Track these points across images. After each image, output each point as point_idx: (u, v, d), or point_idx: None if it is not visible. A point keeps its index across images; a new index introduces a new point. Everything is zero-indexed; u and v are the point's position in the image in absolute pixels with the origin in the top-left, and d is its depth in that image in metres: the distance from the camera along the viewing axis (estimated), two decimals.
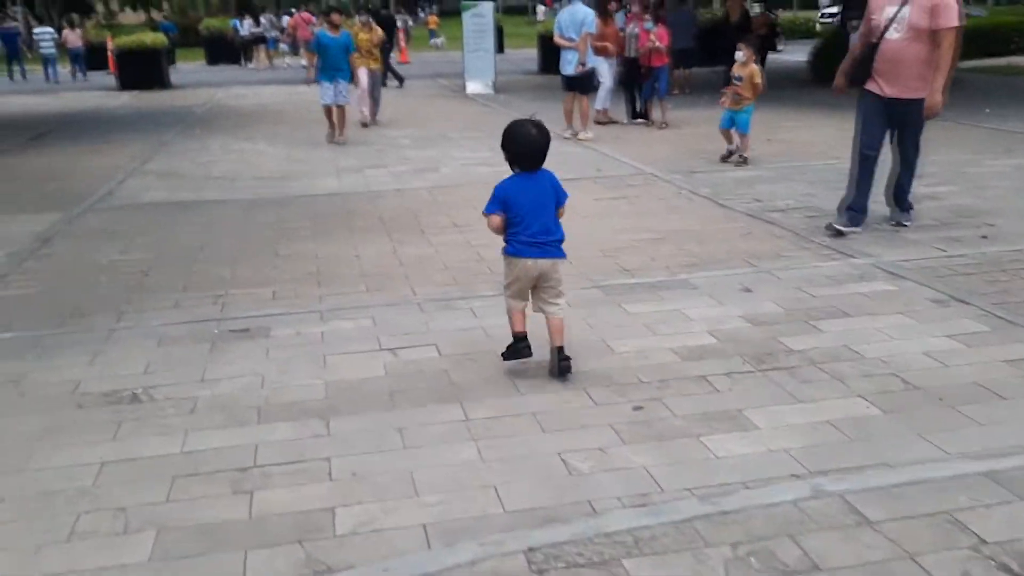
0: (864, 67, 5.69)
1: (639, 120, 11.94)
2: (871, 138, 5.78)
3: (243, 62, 27.71)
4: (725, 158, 8.71)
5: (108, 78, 21.72)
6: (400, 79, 18.98)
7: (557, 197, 3.66)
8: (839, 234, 5.73)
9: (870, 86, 5.68)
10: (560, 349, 3.60)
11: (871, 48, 5.63)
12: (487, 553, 2.44)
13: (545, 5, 56.16)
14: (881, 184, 6.03)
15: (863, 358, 3.76)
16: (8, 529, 2.64)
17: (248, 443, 3.11)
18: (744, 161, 8.58)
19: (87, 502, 2.76)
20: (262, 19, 27.95)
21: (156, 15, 48.25)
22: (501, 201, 3.56)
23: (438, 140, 10.73)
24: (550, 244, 3.60)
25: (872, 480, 2.78)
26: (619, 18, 12.70)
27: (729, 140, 8.74)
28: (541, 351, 3.70)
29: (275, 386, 3.61)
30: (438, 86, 19.38)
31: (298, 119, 13.42)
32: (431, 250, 5.77)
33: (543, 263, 3.60)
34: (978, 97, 13.22)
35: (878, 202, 6.05)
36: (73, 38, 24.92)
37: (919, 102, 5.48)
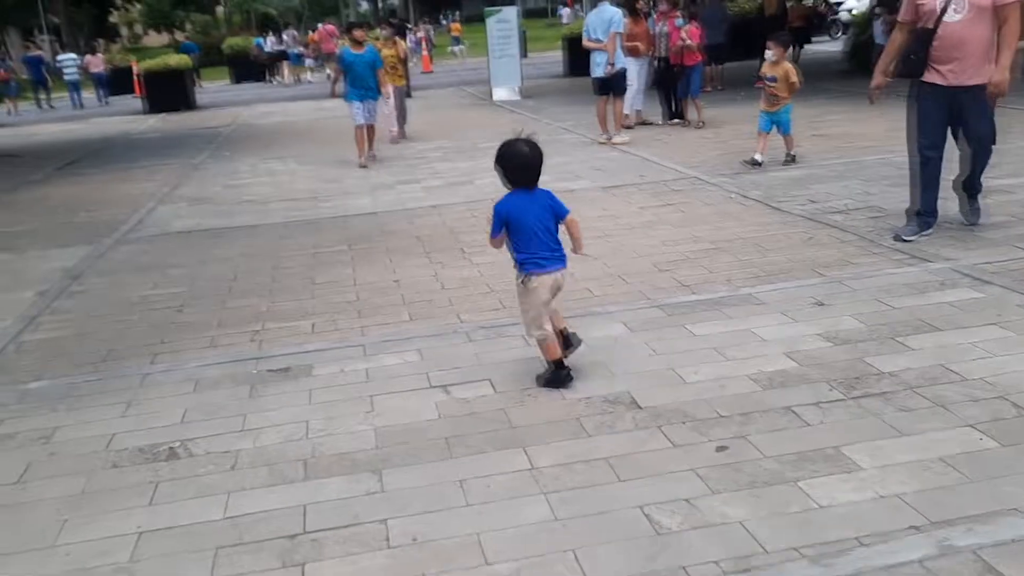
0: (918, 57, 5.23)
1: (675, 121, 11.57)
2: (932, 137, 5.30)
3: (268, 79, 27.77)
4: (751, 165, 8.12)
5: (134, 101, 21.81)
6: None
7: (556, 213, 3.66)
8: (908, 243, 5.34)
9: (929, 77, 5.22)
10: (560, 361, 3.63)
11: (925, 35, 5.17)
12: None
13: (567, 7, 55.89)
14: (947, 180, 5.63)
15: (964, 379, 3.39)
16: None
17: (296, 504, 2.83)
18: (792, 159, 8.17)
19: None
20: (284, 35, 27.98)
21: (179, 36, 48.85)
22: (503, 221, 3.57)
23: (469, 151, 10.46)
24: (562, 255, 3.67)
25: (1006, 531, 2.42)
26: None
27: (762, 147, 8.19)
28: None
29: (321, 434, 3.33)
30: (464, 94, 19.14)
31: (326, 135, 13.23)
32: (474, 272, 5.48)
33: (564, 272, 3.67)
34: None
35: (944, 198, 5.64)
36: (96, 63, 25.17)
37: (985, 87, 5.06)
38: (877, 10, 15.03)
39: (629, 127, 11.38)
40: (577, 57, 19.07)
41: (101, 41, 40.24)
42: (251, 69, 28.49)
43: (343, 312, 4.86)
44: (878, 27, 15.01)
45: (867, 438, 2.99)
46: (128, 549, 2.66)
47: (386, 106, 10.94)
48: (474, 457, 3.07)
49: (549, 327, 3.62)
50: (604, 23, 9.99)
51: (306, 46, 27.78)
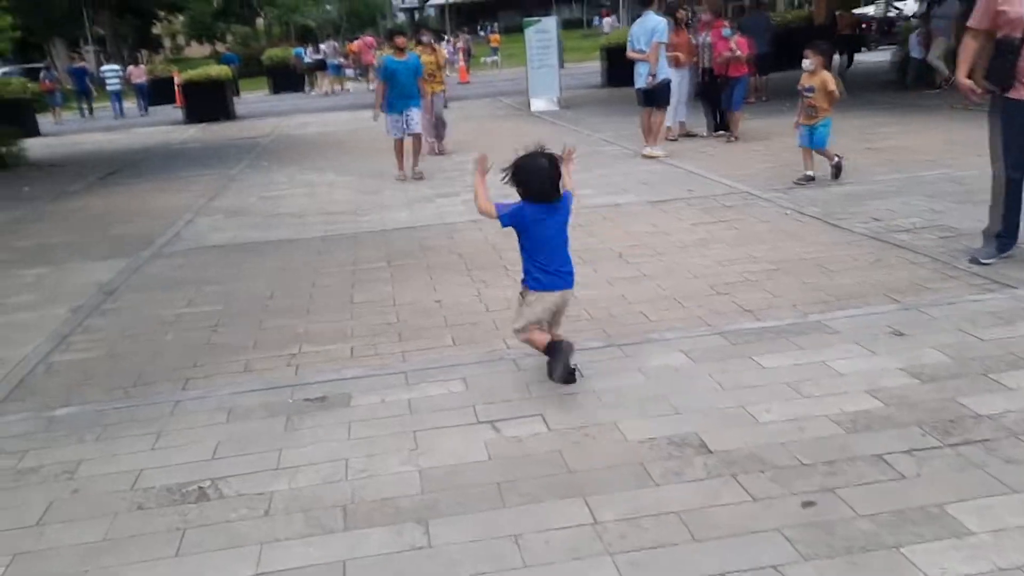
0: (1005, 69, 4.83)
1: (720, 133, 11.21)
2: (1018, 157, 4.88)
3: (306, 88, 27.89)
4: (805, 181, 7.69)
5: (174, 112, 21.96)
6: None
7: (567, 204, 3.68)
8: (986, 266, 4.96)
9: (1017, 93, 4.81)
10: (551, 343, 3.62)
11: (1011, 45, 4.76)
12: None
13: (603, 17, 55.65)
14: None
15: None
16: None
17: (335, 559, 2.57)
18: (838, 173, 7.70)
19: None
20: (323, 46, 28.07)
21: (220, 47, 49.46)
22: (516, 218, 3.61)
23: (508, 163, 10.19)
24: (569, 274, 3.69)
25: None
26: None
27: (808, 163, 7.76)
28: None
29: (362, 476, 3.08)
30: (501, 105, 18.93)
31: (363, 146, 13.10)
32: (518, 291, 5.19)
33: (567, 294, 3.70)
34: None
35: None
36: (137, 73, 25.53)
37: None
38: (914, 22, 14.54)
39: (673, 139, 11.07)
40: (616, 67, 18.79)
41: (144, 52, 40.92)
42: (290, 80, 28.64)
43: (383, 335, 4.61)
44: (914, 40, 14.47)
45: (973, 495, 2.66)
46: None
47: (425, 117, 10.69)
48: (529, 507, 2.79)
49: (538, 335, 3.66)
50: (647, 33, 9.70)
51: (346, 57, 27.85)
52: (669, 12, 11.54)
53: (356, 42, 28.01)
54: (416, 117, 9.68)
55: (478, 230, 6.96)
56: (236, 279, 5.97)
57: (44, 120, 22.32)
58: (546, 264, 3.60)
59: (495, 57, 34.77)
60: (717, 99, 11.27)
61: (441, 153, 11.68)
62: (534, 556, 2.52)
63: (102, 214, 9.08)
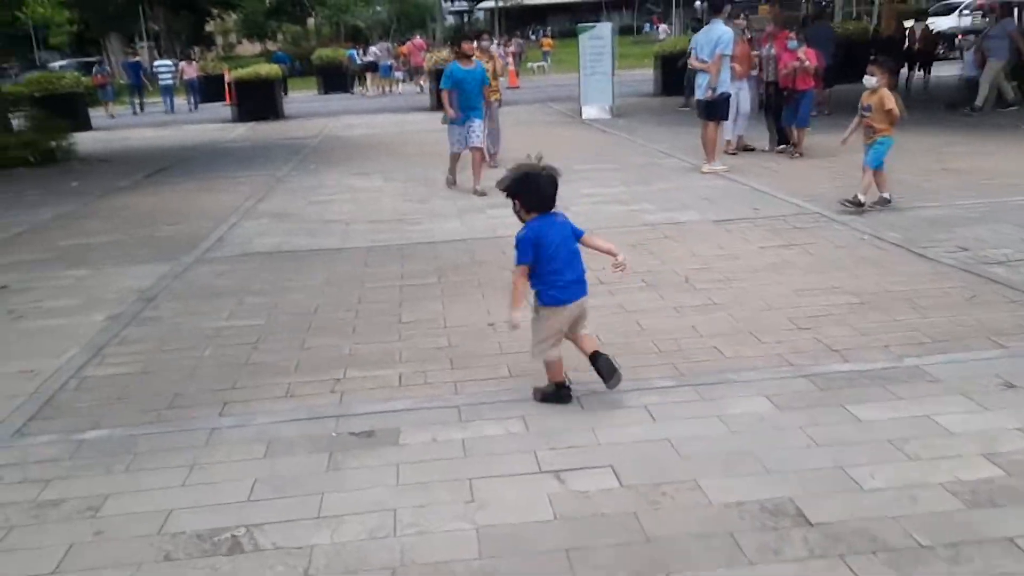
0: None
1: (781, 148, 10.70)
2: None
3: (356, 89, 27.90)
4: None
5: (224, 109, 22.00)
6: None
7: (575, 233, 3.61)
8: None
9: None
10: (597, 353, 3.58)
11: None
12: None
13: (654, 25, 55.06)
14: None
15: None
16: None
17: None
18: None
19: None
20: (374, 48, 28.03)
21: (271, 46, 49.93)
22: (534, 246, 3.49)
23: (563, 173, 9.83)
24: (582, 282, 3.60)
25: None
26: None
27: (882, 186, 7.21)
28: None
29: (412, 532, 2.75)
30: (551, 111, 18.58)
31: (411, 150, 12.86)
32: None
33: (583, 303, 3.60)
34: None
35: None
36: (189, 70, 25.74)
37: None
38: (969, 39, 13.82)
39: (732, 153, 10.62)
40: (670, 76, 18.35)
41: (197, 49, 41.40)
42: (338, 80, 28.65)
43: (434, 361, 4.29)
44: (969, 57, 13.74)
45: None
46: None
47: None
48: None
49: (557, 352, 3.60)
50: (711, 43, 9.28)
51: (397, 59, 27.79)
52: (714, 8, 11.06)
53: (407, 44, 27.90)
54: (478, 129, 9.00)
55: None
56: (280, 291, 5.70)
57: (96, 114, 22.56)
58: (560, 276, 3.51)
59: (543, 63, 34.46)
60: (780, 113, 10.79)
61: (494, 166, 11.16)
62: None
63: (147, 213, 8.93)
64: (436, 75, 20.44)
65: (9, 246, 7.68)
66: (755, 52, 10.99)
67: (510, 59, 28.85)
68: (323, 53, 30.01)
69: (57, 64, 39.30)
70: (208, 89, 25.49)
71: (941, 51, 18.22)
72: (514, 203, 3.60)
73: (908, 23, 15.09)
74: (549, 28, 51.25)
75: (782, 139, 10.76)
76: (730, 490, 2.88)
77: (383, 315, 5.08)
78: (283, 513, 2.90)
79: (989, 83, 13.06)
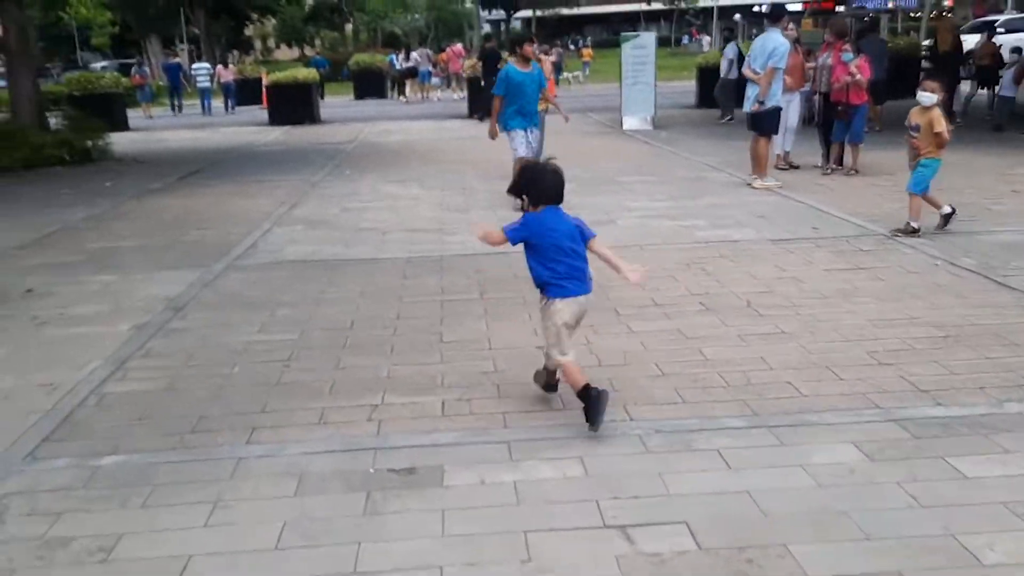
0: None
1: (831, 166, 10.20)
2: None
3: (395, 95, 27.81)
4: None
5: (261, 112, 21.94)
6: (482, 116, 17.94)
7: (584, 234, 3.52)
8: None
9: None
10: (587, 387, 3.39)
11: None
12: None
13: (691, 36, 54.61)
14: None
15: None
16: None
17: None
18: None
19: None
20: (414, 54, 27.91)
21: (309, 51, 50.19)
22: (528, 231, 3.46)
23: (606, 185, 9.48)
24: (587, 278, 3.52)
25: None
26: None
27: (936, 204, 6.74)
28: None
29: None
30: (591, 121, 18.21)
31: (449, 157, 12.57)
32: (634, 343, 4.48)
33: (590, 299, 3.55)
34: None
35: None
36: (226, 73, 25.87)
37: None
38: (1013, 55, 13.17)
39: (783, 169, 10.18)
40: (711, 87, 17.90)
41: (236, 52, 41.68)
42: (374, 85, 28.54)
43: (479, 387, 3.95)
44: (1008, 77, 13.07)
45: None
46: None
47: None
48: None
49: (573, 353, 3.52)
50: (765, 53, 8.88)
51: (435, 65, 27.64)
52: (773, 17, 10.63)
53: (446, 51, 27.73)
54: (539, 139, 8.37)
55: None
56: (314, 303, 5.40)
57: (135, 114, 22.61)
58: (569, 270, 3.45)
59: (578, 73, 34.12)
60: (831, 127, 10.31)
61: None
62: None
63: (179, 216, 8.70)
64: (471, 82, 20.28)
65: (39, 247, 7.49)
66: (810, 64, 10.54)
67: (548, 67, 28.58)
68: (360, 58, 29.93)
69: (99, 65, 39.83)
70: (245, 92, 25.54)
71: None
72: (522, 201, 3.58)
73: (968, 38, 14.54)
74: (589, 38, 50.88)
75: (832, 156, 10.27)
76: (827, 560, 2.50)
77: (423, 333, 4.75)
78: (314, 566, 2.57)
79: None
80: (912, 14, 34.26)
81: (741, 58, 17.52)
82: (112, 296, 5.72)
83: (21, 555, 2.70)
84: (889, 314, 4.77)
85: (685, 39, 54.97)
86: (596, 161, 11.54)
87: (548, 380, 3.74)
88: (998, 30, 17.73)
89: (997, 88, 13.37)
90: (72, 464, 3.30)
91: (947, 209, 6.76)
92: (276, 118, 19.93)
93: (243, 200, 9.59)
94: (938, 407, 3.54)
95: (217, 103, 25.77)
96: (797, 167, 10.32)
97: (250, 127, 19.62)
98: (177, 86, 26.03)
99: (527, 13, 57.52)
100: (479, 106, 18.90)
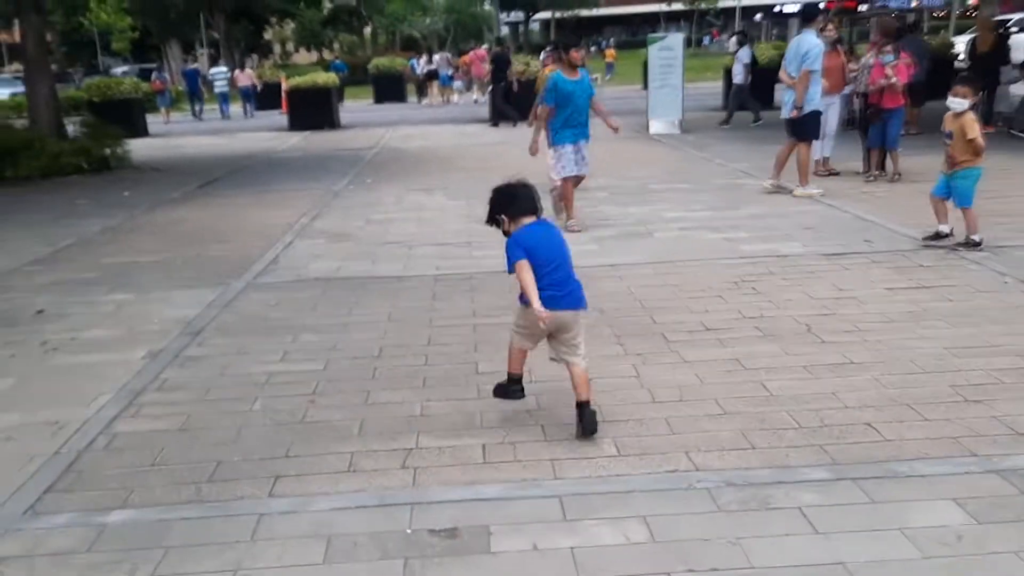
0: None
1: (870, 173, 9.73)
2: None
3: (418, 99, 27.59)
4: (930, 239, 6.33)
5: (280, 117, 21.73)
6: (515, 119, 17.52)
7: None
8: None
9: None
10: (586, 403, 3.41)
11: None
12: None
13: (712, 37, 54.02)
14: None
15: None
16: None
17: None
18: (976, 245, 6.13)
19: None
20: (435, 57, 27.64)
21: (327, 55, 50.11)
22: (524, 249, 3.32)
23: (639, 193, 9.10)
24: (571, 293, 3.41)
25: None
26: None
27: (941, 216, 6.34)
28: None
29: None
30: None
31: (472, 164, 12.23)
32: (689, 374, 4.10)
33: (565, 315, 3.40)
34: None
35: None
36: (243, 78, 25.70)
37: None
38: None
39: (823, 175, 9.75)
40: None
41: (254, 56, 41.64)
42: (393, 89, 28.31)
43: (521, 427, 3.59)
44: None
45: None
46: None
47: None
48: None
49: (530, 344, 3.54)
50: (799, 57, 8.46)
51: (457, 69, 27.35)
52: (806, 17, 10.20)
53: (469, 54, 27.41)
54: (587, 154, 7.58)
55: (618, 279, 5.90)
56: (339, 327, 5.06)
57: (155, 120, 22.47)
58: (555, 280, 3.35)
59: (596, 76, 33.71)
60: (868, 131, 9.84)
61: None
62: None
63: (197, 229, 8.41)
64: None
65: (53, 262, 7.21)
66: (852, 66, 10.10)
67: None
68: (379, 62, 29.70)
69: (120, 70, 39.89)
70: (265, 96, 25.37)
71: None
72: (502, 222, 3.46)
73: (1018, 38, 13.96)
74: (612, 39, 50.39)
75: (871, 163, 9.82)
76: None
77: (456, 362, 4.40)
78: None
79: None
80: (936, 13, 33.57)
81: (755, 62, 17.12)
82: (126, 319, 5.42)
83: None
84: (966, 340, 4.36)
85: (706, 40, 54.37)
86: (625, 168, 11.15)
87: (505, 382, 3.66)
88: (1011, 29, 17.14)
89: None
90: (76, 521, 2.97)
91: (944, 229, 6.35)
92: (295, 123, 19.71)
93: (263, 211, 9.29)
94: None
95: (236, 108, 25.61)
96: (837, 173, 9.88)
97: (269, 132, 19.39)
98: (196, 91, 25.90)
99: (546, 15, 57.20)
100: (494, 111, 18.61)
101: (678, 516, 2.85)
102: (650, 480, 3.09)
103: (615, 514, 2.87)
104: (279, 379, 4.26)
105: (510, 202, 3.43)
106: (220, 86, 25.35)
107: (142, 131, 19.57)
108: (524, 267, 3.29)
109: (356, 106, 27.24)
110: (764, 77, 17.22)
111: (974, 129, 6.08)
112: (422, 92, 27.48)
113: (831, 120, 10.04)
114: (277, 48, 63.19)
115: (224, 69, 26.87)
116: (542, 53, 20.30)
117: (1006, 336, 4.40)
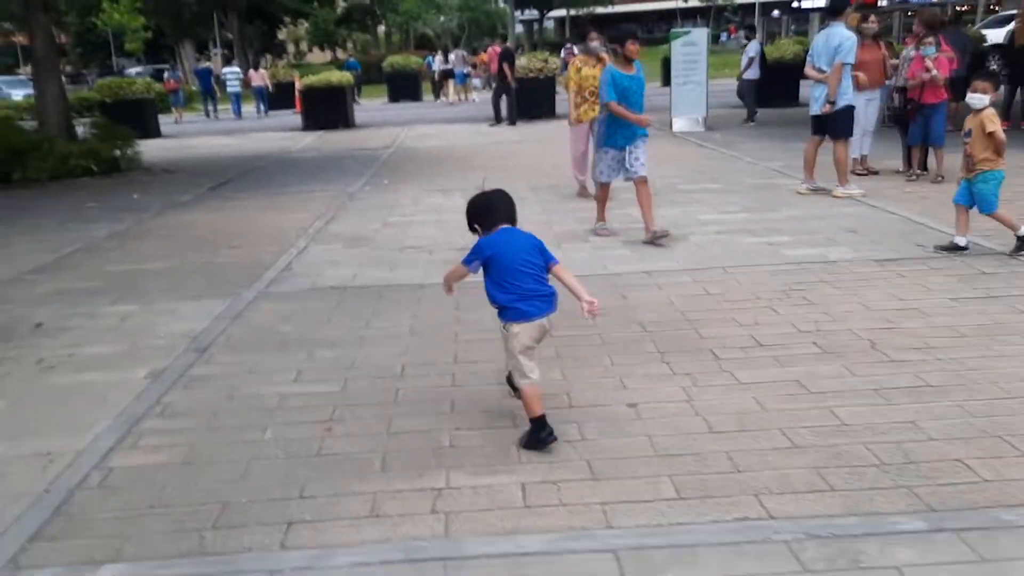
0: None
1: (916, 171, 9.26)
2: None
3: (434, 97, 27.29)
4: (944, 249, 5.90)
5: (294, 117, 21.43)
6: (513, 120, 17.51)
7: (545, 258, 3.37)
8: None
9: None
10: (541, 419, 3.27)
11: None
12: None
13: (729, 34, 53.40)
14: None
15: None
16: None
17: None
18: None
19: None
20: (451, 55, 27.29)
21: (341, 54, 49.89)
22: (484, 256, 3.31)
23: (669, 194, 8.66)
24: (548, 297, 3.35)
25: None
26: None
27: (960, 227, 5.92)
28: None
29: None
30: None
31: (491, 164, 11.85)
32: (747, 399, 3.68)
33: (551, 318, 3.37)
34: None
35: None
36: (256, 77, 25.49)
37: None
38: None
39: (861, 174, 9.30)
40: (762, 86, 16.95)
41: (268, 56, 41.43)
42: (408, 88, 27.99)
43: (565, 462, 3.20)
44: None
45: None
46: None
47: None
48: None
49: (537, 373, 3.33)
50: (830, 51, 8.00)
51: (474, 67, 26.99)
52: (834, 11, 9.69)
53: (487, 51, 27.04)
54: (643, 156, 6.78)
55: (656, 287, 5.49)
56: (357, 342, 4.68)
57: (167, 120, 22.22)
58: (525, 291, 3.28)
59: None
60: (904, 128, 9.36)
61: (588, 196, 8.81)
62: None
63: (208, 234, 8.06)
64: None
65: (56, 270, 6.88)
66: (893, 60, 9.61)
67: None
68: (394, 60, 29.36)
69: (134, 70, 39.81)
70: (278, 96, 25.13)
71: None
72: (477, 232, 3.44)
73: None
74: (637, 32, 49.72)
75: (912, 161, 9.34)
76: None
77: (486, 383, 4.01)
78: None
79: None
80: (958, 7, 32.92)
81: (763, 57, 16.63)
82: (129, 333, 5.05)
83: None
84: None
85: (723, 36, 53.69)
86: (650, 168, 10.70)
87: (531, 434, 3.37)
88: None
89: None
90: (61, 575, 2.61)
91: (961, 241, 5.92)
92: (309, 123, 19.39)
93: (276, 214, 8.94)
94: None
95: (250, 107, 25.36)
96: (876, 172, 9.42)
97: (282, 132, 19.08)
98: (210, 90, 25.68)
99: (560, 12, 56.74)
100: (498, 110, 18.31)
101: (755, 572, 2.44)
102: (718, 531, 2.68)
103: (681, 572, 2.47)
104: (292, 403, 3.88)
105: (484, 213, 3.43)
106: (232, 86, 25.13)
107: (154, 132, 19.32)
108: (458, 271, 3.45)
109: (371, 105, 26.96)
110: (782, 73, 16.81)
111: (994, 122, 5.72)
112: (438, 90, 27.14)
113: (871, 117, 9.59)
114: (291, 48, 63.01)
115: (236, 69, 26.65)
116: (562, 50, 19.90)
117: None
